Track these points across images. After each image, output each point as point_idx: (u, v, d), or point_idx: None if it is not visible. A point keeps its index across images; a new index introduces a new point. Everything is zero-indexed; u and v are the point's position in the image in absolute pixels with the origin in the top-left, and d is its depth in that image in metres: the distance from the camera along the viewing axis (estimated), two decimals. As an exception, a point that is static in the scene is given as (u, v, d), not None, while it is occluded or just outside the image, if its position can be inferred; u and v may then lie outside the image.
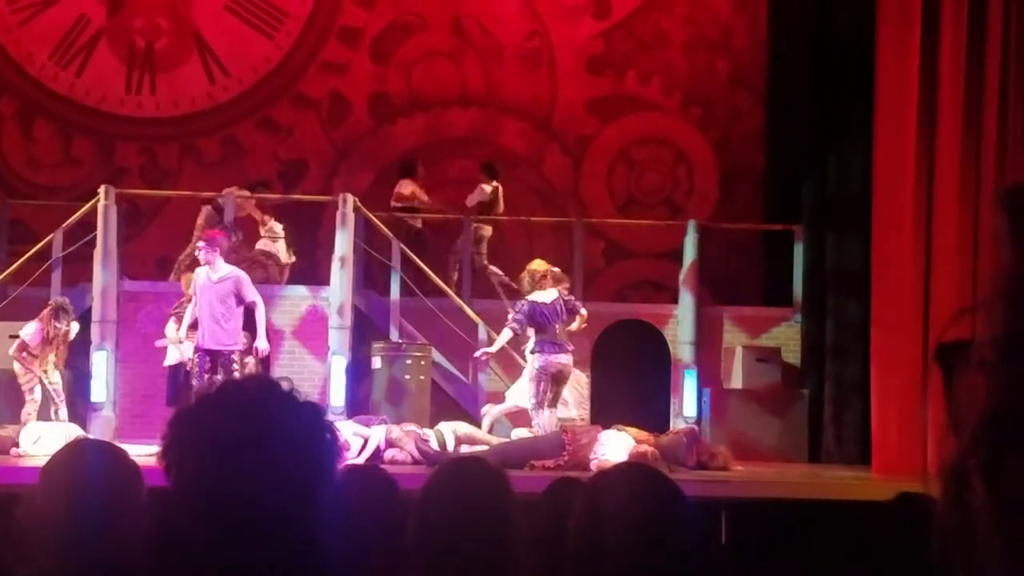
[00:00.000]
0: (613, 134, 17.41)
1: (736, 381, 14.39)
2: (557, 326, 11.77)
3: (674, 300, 14.90)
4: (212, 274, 11.69)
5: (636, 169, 17.46)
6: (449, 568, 2.98)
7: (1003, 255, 1.13)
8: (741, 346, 14.58)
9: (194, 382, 11.62)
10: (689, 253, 14.85)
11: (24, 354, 12.34)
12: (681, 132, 17.46)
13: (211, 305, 11.62)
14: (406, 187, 15.58)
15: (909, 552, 2.50)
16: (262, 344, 11.81)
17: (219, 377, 11.21)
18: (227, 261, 12.00)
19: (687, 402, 14.02)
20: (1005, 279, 1.11)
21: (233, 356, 11.63)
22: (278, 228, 14.89)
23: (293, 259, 14.95)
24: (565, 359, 11.84)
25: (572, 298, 12.11)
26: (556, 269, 12.22)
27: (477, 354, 12.75)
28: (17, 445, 11.65)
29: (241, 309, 11.72)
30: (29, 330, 12.40)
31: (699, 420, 13.85)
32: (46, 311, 12.51)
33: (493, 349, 12.44)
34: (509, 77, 17.31)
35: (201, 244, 12.00)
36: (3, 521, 2.95)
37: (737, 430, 13.78)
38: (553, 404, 12.01)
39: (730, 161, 17.28)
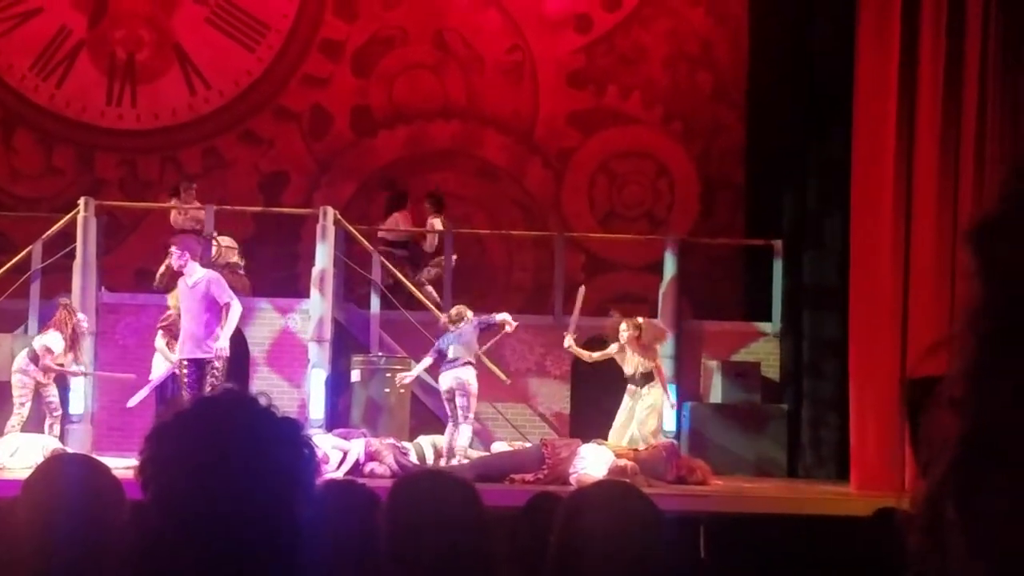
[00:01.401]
0: (594, 147, 17.42)
1: (715, 396, 14.41)
2: (452, 347, 11.89)
3: (654, 313, 14.89)
4: (187, 279, 11.36)
5: (617, 182, 17.46)
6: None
7: (972, 289, 1.14)
8: (720, 361, 14.59)
9: (184, 393, 11.36)
10: (669, 268, 14.88)
11: (49, 362, 12.06)
12: (662, 146, 17.47)
13: (189, 311, 11.28)
14: (406, 221, 15.52)
15: (888, 567, 2.51)
16: (222, 343, 11.24)
17: (208, 388, 10.96)
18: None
19: (666, 416, 14.01)
20: (975, 313, 1.12)
21: (216, 365, 11.20)
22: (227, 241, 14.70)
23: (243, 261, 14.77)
24: (452, 374, 11.88)
25: (482, 319, 12.22)
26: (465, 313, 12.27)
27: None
28: (-6, 458, 11.57)
29: (222, 314, 11.26)
30: (52, 338, 12.12)
31: (678, 435, 13.85)
32: (60, 316, 12.28)
33: (410, 375, 12.54)
34: (491, 90, 17.32)
35: (173, 249, 11.58)
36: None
37: (716, 445, 13.80)
38: (453, 419, 11.96)
39: (711, 175, 17.30)
